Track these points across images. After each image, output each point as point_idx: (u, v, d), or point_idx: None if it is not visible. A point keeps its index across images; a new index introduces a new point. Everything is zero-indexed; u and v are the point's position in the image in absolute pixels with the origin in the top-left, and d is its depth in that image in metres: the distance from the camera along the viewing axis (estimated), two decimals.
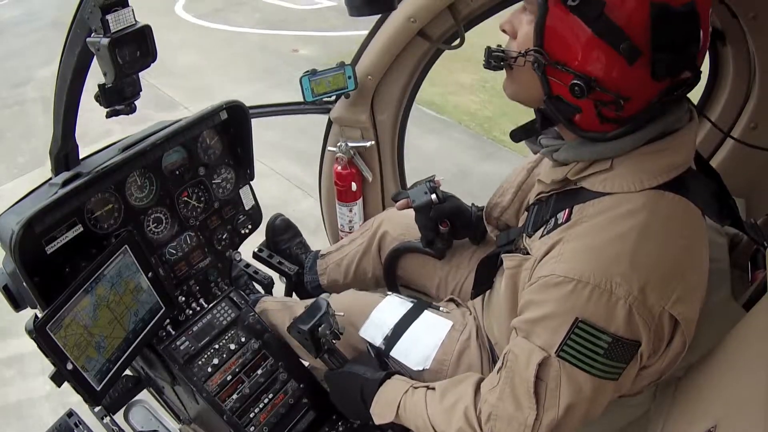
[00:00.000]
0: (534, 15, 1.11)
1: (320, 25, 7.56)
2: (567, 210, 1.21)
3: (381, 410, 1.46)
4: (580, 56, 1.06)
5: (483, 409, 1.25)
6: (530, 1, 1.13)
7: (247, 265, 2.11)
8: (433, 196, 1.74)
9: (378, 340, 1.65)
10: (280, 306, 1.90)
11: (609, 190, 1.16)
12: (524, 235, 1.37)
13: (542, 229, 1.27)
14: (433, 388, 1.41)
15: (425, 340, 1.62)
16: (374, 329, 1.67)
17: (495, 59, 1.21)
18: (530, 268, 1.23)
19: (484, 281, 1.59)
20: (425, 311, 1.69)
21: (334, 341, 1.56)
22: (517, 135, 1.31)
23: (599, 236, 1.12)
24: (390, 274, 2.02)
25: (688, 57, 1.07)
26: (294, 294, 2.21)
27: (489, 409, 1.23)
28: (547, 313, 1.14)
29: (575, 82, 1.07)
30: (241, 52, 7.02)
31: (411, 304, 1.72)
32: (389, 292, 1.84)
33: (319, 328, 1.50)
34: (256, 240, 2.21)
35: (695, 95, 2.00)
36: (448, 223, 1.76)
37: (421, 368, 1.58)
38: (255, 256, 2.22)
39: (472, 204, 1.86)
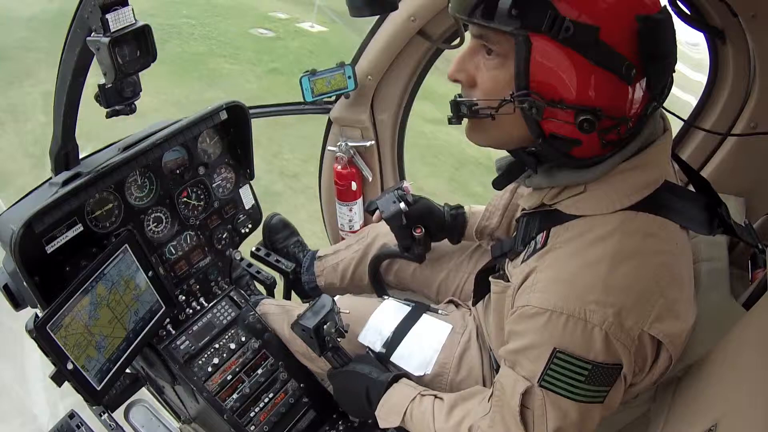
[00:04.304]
0: (500, 57, 1.04)
1: None
2: (545, 232, 1.19)
3: (387, 414, 1.46)
4: (579, 89, 1.00)
5: None
6: (495, 40, 1.04)
7: (249, 265, 2.11)
8: (402, 204, 1.73)
9: (378, 346, 1.64)
10: (280, 310, 1.90)
11: (582, 213, 1.14)
12: (507, 258, 1.37)
13: (524, 253, 1.26)
14: (441, 398, 1.40)
15: (425, 344, 1.61)
16: (373, 334, 1.66)
17: (469, 112, 1.11)
18: (512, 296, 1.23)
19: (482, 291, 1.58)
20: (424, 315, 1.68)
21: (338, 339, 1.55)
22: (501, 183, 1.26)
23: (571, 264, 1.11)
24: (376, 281, 2.02)
25: (674, 61, 1.06)
26: (292, 292, 2.21)
27: None
28: (527, 344, 1.14)
29: (583, 117, 1.00)
30: None
31: (409, 308, 1.71)
32: (386, 296, 1.83)
33: (324, 326, 1.49)
34: (253, 240, 2.21)
35: (694, 96, 2.01)
36: (422, 228, 1.76)
37: (422, 373, 1.57)
38: (253, 255, 2.22)
39: (445, 204, 1.85)
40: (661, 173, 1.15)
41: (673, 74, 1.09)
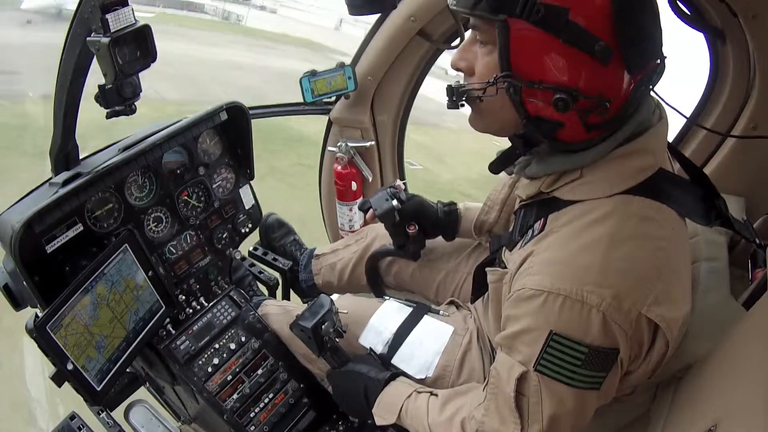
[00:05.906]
0: (489, 44, 1.09)
1: None
2: (543, 219, 1.20)
3: (383, 412, 1.45)
4: (554, 69, 1.04)
5: (470, 426, 1.25)
6: (483, 29, 1.10)
7: (252, 265, 2.11)
8: (394, 202, 1.74)
9: (379, 348, 1.63)
10: (280, 311, 1.90)
11: (579, 198, 1.15)
12: (504, 248, 1.37)
13: (521, 241, 1.26)
14: (436, 395, 1.40)
15: (427, 346, 1.61)
16: (374, 336, 1.66)
17: (460, 96, 1.17)
18: (508, 282, 1.23)
19: (481, 287, 1.58)
20: (425, 316, 1.68)
21: (337, 339, 1.55)
22: (497, 166, 1.27)
23: (568, 246, 1.11)
24: (373, 281, 2.02)
25: (656, 43, 1.07)
26: (291, 290, 2.21)
27: (476, 426, 1.24)
28: (523, 327, 1.13)
29: (558, 96, 1.04)
30: None
31: (410, 309, 1.70)
32: (387, 297, 1.83)
33: (323, 326, 1.49)
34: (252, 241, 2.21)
35: (694, 95, 2.01)
36: (415, 225, 1.77)
37: (423, 376, 1.57)
38: (251, 254, 2.23)
39: (438, 201, 1.86)
40: (656, 159, 1.16)
41: (665, 59, 1.11)
